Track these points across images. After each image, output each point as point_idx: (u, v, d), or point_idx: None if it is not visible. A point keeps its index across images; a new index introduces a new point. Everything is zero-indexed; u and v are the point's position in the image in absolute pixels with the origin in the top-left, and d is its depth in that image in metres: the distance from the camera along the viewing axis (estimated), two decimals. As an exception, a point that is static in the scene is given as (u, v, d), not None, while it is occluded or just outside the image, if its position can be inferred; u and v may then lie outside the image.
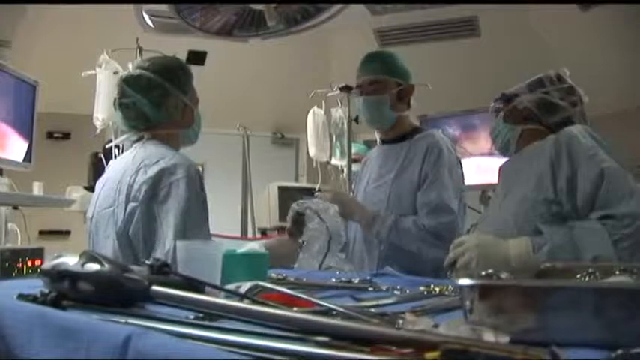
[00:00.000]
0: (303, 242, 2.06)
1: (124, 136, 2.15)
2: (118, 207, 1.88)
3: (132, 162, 1.94)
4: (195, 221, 1.82)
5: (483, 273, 0.98)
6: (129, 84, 2.02)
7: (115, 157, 3.43)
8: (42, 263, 2.77)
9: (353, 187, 2.63)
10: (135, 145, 2.05)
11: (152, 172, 1.86)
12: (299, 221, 2.13)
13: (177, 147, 2.08)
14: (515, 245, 1.69)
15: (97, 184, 2.10)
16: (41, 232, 5.06)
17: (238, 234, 4.76)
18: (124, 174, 1.92)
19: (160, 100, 2.01)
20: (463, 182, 2.31)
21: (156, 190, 1.84)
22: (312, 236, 2.03)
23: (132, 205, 1.85)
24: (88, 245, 2.05)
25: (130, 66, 2.30)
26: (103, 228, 1.93)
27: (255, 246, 1.50)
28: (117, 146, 3.52)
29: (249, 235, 5.07)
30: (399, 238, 2.18)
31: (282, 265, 1.97)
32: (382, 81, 2.34)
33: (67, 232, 5.59)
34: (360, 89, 2.40)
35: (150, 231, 1.82)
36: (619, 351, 0.66)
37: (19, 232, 3.51)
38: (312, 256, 2.00)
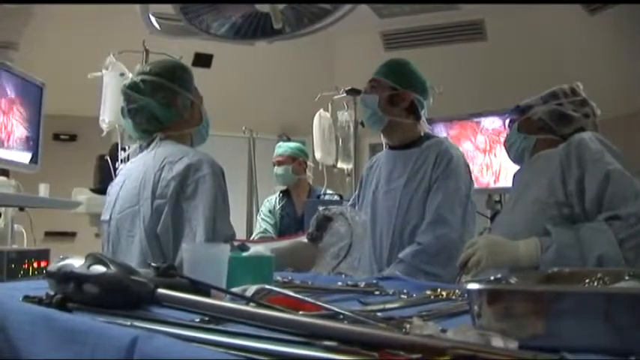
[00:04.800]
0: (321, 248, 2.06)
1: (136, 145, 2.15)
2: (143, 204, 1.88)
3: (153, 160, 1.94)
4: (222, 216, 1.84)
5: (492, 278, 0.97)
6: (134, 90, 2.04)
7: (121, 160, 3.44)
8: (47, 265, 2.77)
9: (356, 191, 2.61)
10: (151, 145, 2.05)
11: (178, 168, 1.87)
12: (323, 226, 2.13)
13: (190, 146, 2.08)
14: (525, 244, 1.73)
15: (112, 187, 2.10)
16: (47, 234, 5.06)
17: (244, 237, 4.75)
18: (146, 172, 1.92)
19: (167, 100, 2.03)
20: (471, 188, 2.30)
21: (183, 186, 1.85)
22: (332, 241, 2.02)
23: (158, 201, 1.85)
24: (106, 248, 2.04)
25: (136, 69, 2.31)
26: (127, 228, 1.93)
27: (260, 249, 1.49)
28: (123, 149, 3.54)
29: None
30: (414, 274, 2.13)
31: (299, 268, 1.97)
32: (377, 81, 2.39)
33: (73, 234, 5.61)
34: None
35: (179, 227, 1.83)
36: (631, 358, 0.65)
37: (24, 233, 3.51)
38: (331, 258, 1.99)
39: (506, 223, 1.98)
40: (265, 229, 4.15)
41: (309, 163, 4.33)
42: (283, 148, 4.20)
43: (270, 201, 4.27)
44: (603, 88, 4.30)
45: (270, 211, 4.21)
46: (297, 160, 4.13)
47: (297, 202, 4.15)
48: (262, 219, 4.24)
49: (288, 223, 4.10)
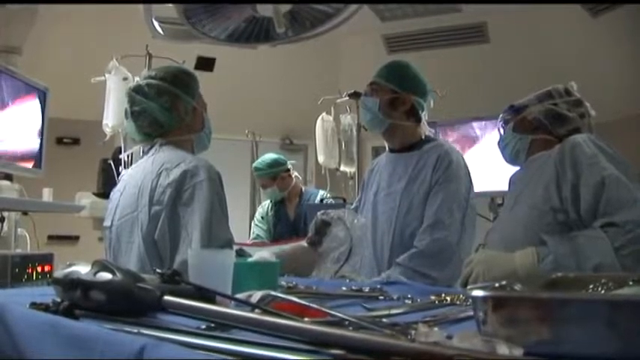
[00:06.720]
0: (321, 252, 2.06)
1: (137, 147, 2.16)
2: (141, 211, 1.89)
3: (151, 166, 1.95)
4: (219, 221, 1.84)
5: (497, 285, 0.97)
6: (138, 92, 2.06)
7: (125, 163, 3.45)
8: (51, 269, 2.79)
9: (359, 195, 2.61)
10: (151, 151, 2.06)
11: (174, 174, 1.88)
12: (322, 231, 2.13)
13: (191, 152, 2.09)
14: (522, 256, 1.70)
15: (114, 193, 2.11)
16: (50, 237, 5.07)
17: (247, 240, 4.77)
18: (144, 178, 1.93)
19: (170, 105, 2.04)
20: (471, 191, 2.29)
21: (179, 192, 1.86)
22: (332, 246, 2.02)
23: (155, 208, 1.86)
24: (107, 254, 2.05)
25: (142, 73, 2.32)
26: (127, 235, 1.94)
27: (265, 254, 1.50)
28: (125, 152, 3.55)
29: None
30: (411, 276, 2.12)
31: (300, 273, 1.97)
32: (377, 84, 2.37)
33: (76, 238, 5.61)
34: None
35: (175, 234, 1.83)
36: (636, 365, 0.65)
37: (28, 237, 3.52)
38: (331, 263, 1.99)
39: (503, 229, 1.96)
40: (257, 235, 4.16)
41: (291, 163, 4.27)
42: (260, 171, 4.14)
43: (264, 207, 4.30)
44: (608, 90, 4.32)
45: (262, 217, 4.23)
46: (278, 177, 4.10)
47: (290, 207, 4.16)
48: (255, 225, 4.26)
49: (281, 228, 4.11)
